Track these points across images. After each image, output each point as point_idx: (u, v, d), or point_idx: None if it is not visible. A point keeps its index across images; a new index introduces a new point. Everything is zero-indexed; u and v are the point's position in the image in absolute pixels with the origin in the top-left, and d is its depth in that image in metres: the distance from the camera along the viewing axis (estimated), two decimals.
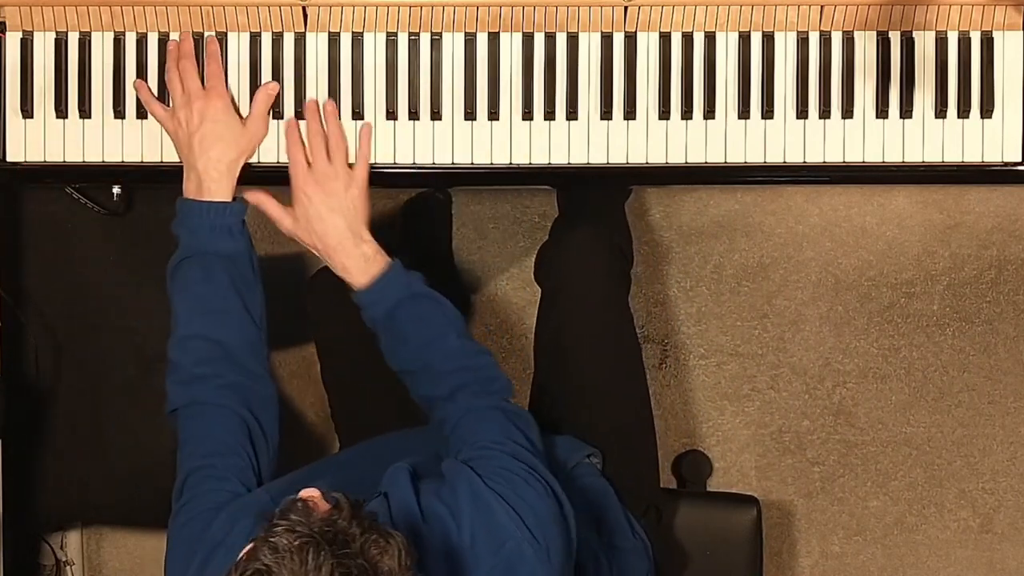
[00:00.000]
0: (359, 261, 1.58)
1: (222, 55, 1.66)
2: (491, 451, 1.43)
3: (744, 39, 1.67)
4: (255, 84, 1.66)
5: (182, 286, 1.58)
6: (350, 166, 1.63)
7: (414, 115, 1.67)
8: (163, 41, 1.66)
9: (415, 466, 1.42)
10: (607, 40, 1.67)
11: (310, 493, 1.19)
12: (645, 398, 1.85)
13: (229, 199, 1.60)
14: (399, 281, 1.58)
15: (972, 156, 1.68)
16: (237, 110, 1.65)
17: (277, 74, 1.67)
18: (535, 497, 1.37)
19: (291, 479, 1.53)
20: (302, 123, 1.65)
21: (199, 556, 1.36)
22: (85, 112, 1.67)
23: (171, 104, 1.64)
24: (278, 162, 1.66)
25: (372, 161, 1.66)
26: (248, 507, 1.39)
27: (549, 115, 1.67)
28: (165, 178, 1.71)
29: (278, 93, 1.66)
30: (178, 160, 1.66)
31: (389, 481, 1.39)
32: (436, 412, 1.58)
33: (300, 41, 1.67)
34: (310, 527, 1.12)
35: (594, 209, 2.16)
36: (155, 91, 1.66)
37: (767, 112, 1.67)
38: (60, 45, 1.67)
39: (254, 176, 1.66)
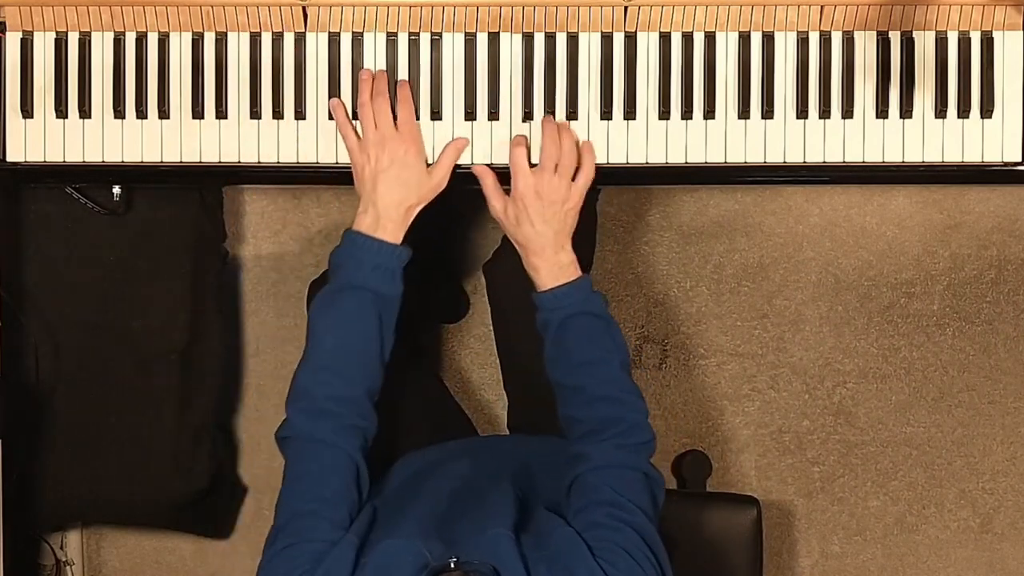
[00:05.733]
0: (553, 267, 1.60)
1: (223, 55, 1.67)
2: (617, 523, 1.41)
3: (744, 39, 1.67)
4: (255, 84, 1.67)
5: (332, 314, 1.58)
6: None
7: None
8: (163, 41, 1.66)
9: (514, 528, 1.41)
10: (607, 40, 1.67)
11: None
12: None
13: (399, 243, 1.60)
14: (581, 295, 1.60)
15: (972, 156, 1.68)
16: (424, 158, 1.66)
17: (277, 74, 1.67)
18: None
19: (372, 522, 1.50)
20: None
21: None
22: (85, 112, 1.67)
23: (363, 138, 1.63)
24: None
25: None
26: (341, 565, 1.38)
27: (549, 115, 1.67)
28: (165, 178, 1.71)
29: (282, 94, 1.67)
30: (178, 160, 1.66)
31: (493, 550, 1.36)
32: (578, 442, 1.56)
33: (300, 41, 1.67)
34: None
35: None
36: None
37: (767, 112, 1.67)
38: (60, 45, 1.67)
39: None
